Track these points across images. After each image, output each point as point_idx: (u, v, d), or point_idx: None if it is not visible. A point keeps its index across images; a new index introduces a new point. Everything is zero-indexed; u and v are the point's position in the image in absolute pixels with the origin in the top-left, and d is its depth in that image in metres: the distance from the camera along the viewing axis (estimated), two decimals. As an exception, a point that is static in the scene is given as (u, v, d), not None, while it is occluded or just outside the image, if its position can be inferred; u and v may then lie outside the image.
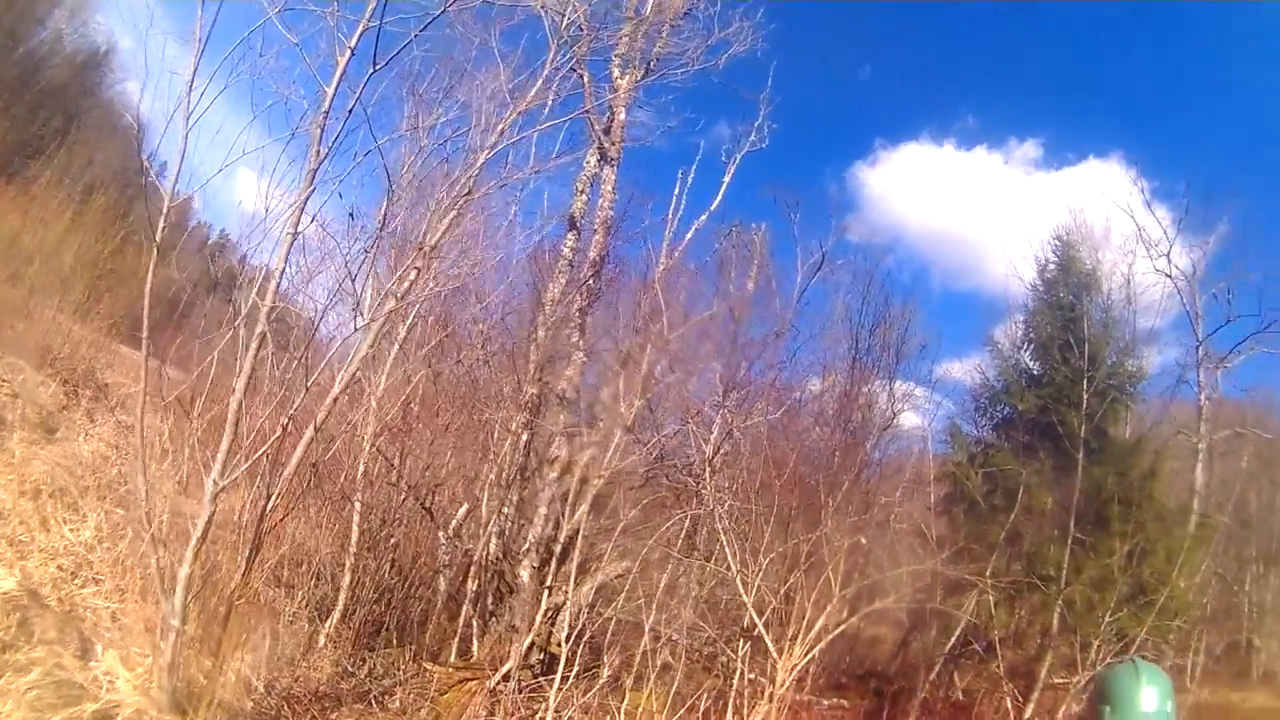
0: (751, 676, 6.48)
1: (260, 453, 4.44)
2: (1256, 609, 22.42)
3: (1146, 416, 11.74)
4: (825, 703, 8.90)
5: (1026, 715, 8.16)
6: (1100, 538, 9.40)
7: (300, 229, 4.96)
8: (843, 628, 7.10)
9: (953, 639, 8.91)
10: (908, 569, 8.45)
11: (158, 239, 4.42)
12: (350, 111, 5.06)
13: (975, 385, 13.38)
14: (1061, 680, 8.42)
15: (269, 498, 4.73)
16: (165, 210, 4.47)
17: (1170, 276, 19.10)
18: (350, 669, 6.21)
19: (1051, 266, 12.98)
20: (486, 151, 5.59)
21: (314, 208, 5.21)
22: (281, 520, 4.89)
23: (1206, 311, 19.68)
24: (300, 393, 4.81)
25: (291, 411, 4.84)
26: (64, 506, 6.38)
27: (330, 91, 4.97)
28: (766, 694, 6.34)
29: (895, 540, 9.31)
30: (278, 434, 4.65)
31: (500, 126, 5.64)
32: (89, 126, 25.03)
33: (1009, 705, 8.25)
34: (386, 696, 5.96)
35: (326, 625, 6.51)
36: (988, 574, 8.15)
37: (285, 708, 5.01)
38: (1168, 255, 19.45)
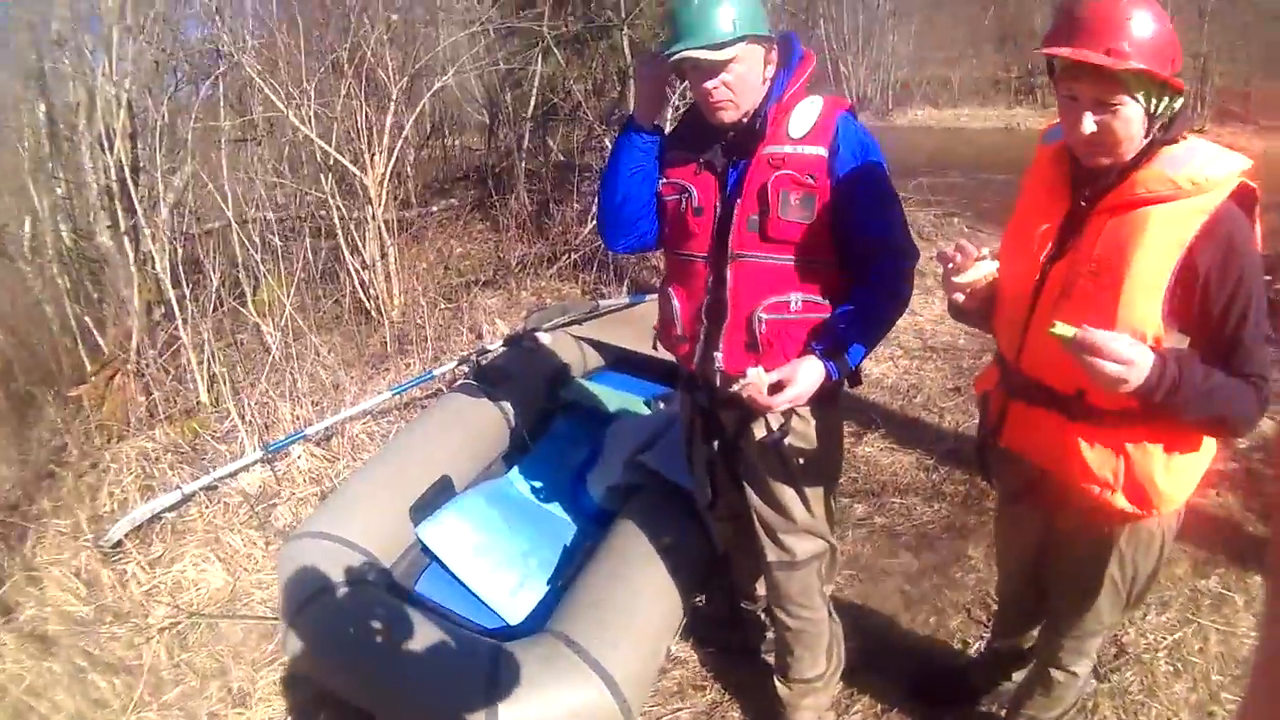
0: (354, 218, 6.57)
1: None
2: (834, 35, 23.33)
3: None
4: (434, 209, 9.14)
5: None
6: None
7: None
8: (416, 120, 7.23)
9: (532, 104, 8.98)
10: (462, 33, 8.42)
11: None
12: None
13: None
14: None
15: None
16: None
17: None
18: (21, 456, 6.15)
19: None
20: None
21: None
22: None
23: None
24: None
25: None
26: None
27: None
28: (369, 216, 6.42)
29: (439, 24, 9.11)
30: None
31: None
32: None
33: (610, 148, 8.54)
34: (62, 454, 5.85)
35: None
36: (544, 26, 8.12)
37: None
38: None
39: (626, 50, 9.16)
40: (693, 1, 2.35)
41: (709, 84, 2.40)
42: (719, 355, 2.63)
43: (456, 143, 12.43)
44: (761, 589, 3.33)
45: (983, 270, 2.23)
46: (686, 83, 2.59)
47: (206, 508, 5.04)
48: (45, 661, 4.06)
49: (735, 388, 2.36)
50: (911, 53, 25.12)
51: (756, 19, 2.38)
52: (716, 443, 2.92)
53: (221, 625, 4.30)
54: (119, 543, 4.77)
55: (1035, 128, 16.87)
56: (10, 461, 6.07)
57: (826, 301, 2.53)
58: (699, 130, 2.62)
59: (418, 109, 8.15)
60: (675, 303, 2.74)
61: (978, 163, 13.96)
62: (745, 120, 2.49)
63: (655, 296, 5.58)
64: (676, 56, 2.36)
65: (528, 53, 9.66)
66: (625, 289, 7.43)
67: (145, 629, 4.29)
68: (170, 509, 4.98)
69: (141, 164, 6.56)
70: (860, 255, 2.47)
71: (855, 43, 23.54)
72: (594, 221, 7.96)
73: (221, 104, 7.11)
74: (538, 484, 4.57)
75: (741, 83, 2.41)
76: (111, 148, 6.20)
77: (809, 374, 2.34)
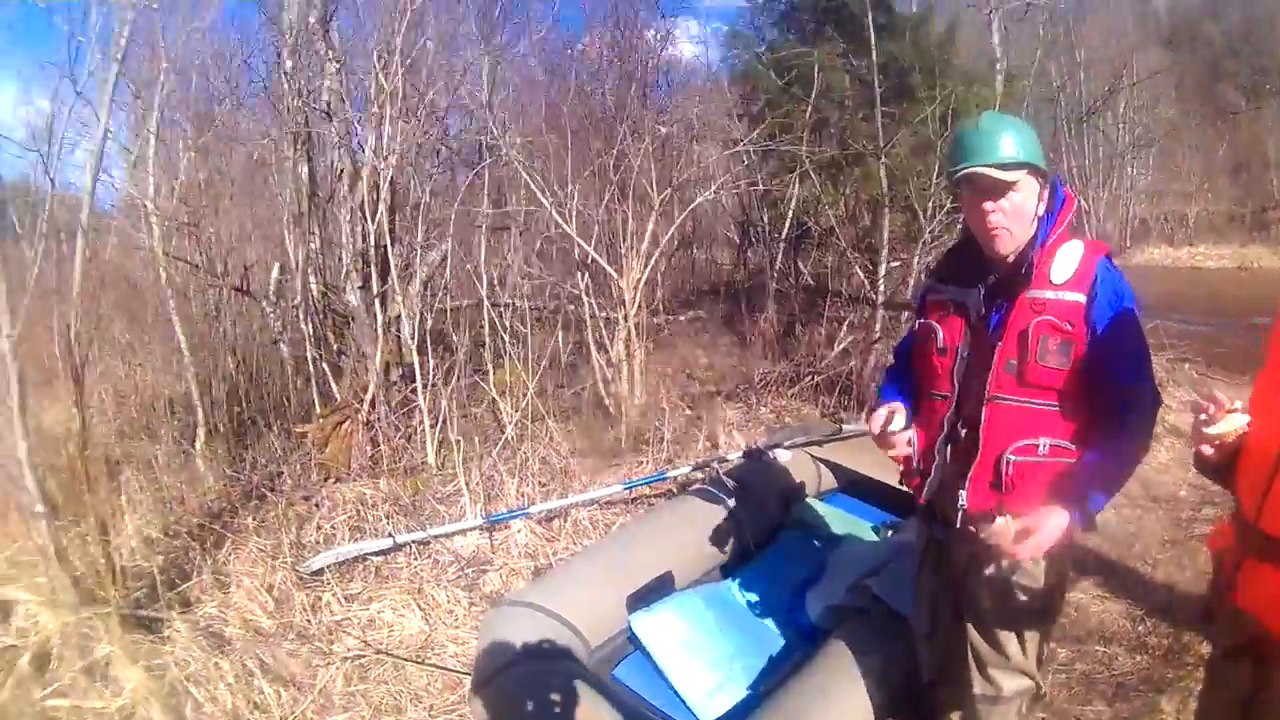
0: (602, 315, 6.63)
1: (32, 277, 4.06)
2: (1076, 169, 23.24)
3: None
4: (682, 318, 9.26)
5: (880, 272, 8.44)
6: (909, 107, 9.75)
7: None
8: (671, 234, 7.30)
9: (787, 226, 9.05)
10: (723, 154, 8.60)
11: None
12: None
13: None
14: (903, 258, 8.66)
15: (69, 325, 4.29)
16: None
17: None
18: (234, 473, 6.40)
19: None
20: None
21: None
22: (90, 346, 4.62)
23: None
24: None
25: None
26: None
27: None
28: (620, 318, 6.52)
29: (701, 141, 9.31)
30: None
31: None
32: None
33: (861, 275, 8.58)
34: (276, 480, 6.16)
35: (197, 447, 6.63)
36: (803, 150, 8.27)
37: (191, 540, 5.25)
38: None
39: (883, 179, 9.23)
40: (981, 124, 2.51)
41: (988, 205, 2.48)
42: (963, 493, 2.62)
43: (704, 255, 12.77)
44: None
45: (1235, 423, 2.08)
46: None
47: (415, 560, 5.15)
48: (215, 658, 4.10)
49: (983, 535, 2.36)
50: (1149, 186, 24.89)
51: (1037, 152, 2.50)
52: (945, 574, 2.93)
53: (408, 668, 4.28)
54: (319, 571, 4.91)
55: (1269, 266, 16.22)
56: (220, 476, 6.36)
57: (1073, 446, 2.52)
58: (962, 270, 2.71)
59: (678, 221, 8.39)
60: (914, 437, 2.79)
61: (1211, 306, 13.57)
62: (1011, 260, 2.56)
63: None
64: (965, 171, 2.46)
65: (785, 175, 9.89)
66: (864, 415, 7.35)
67: (328, 654, 4.34)
68: (379, 553, 5.11)
69: (398, 235, 6.90)
70: (1108, 403, 2.45)
71: (1096, 175, 23.23)
72: (839, 346, 8.03)
73: (485, 192, 7.43)
74: (756, 595, 4.42)
75: (1017, 212, 2.49)
76: (371, 216, 6.51)
77: (1055, 525, 2.26)
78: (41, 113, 4.57)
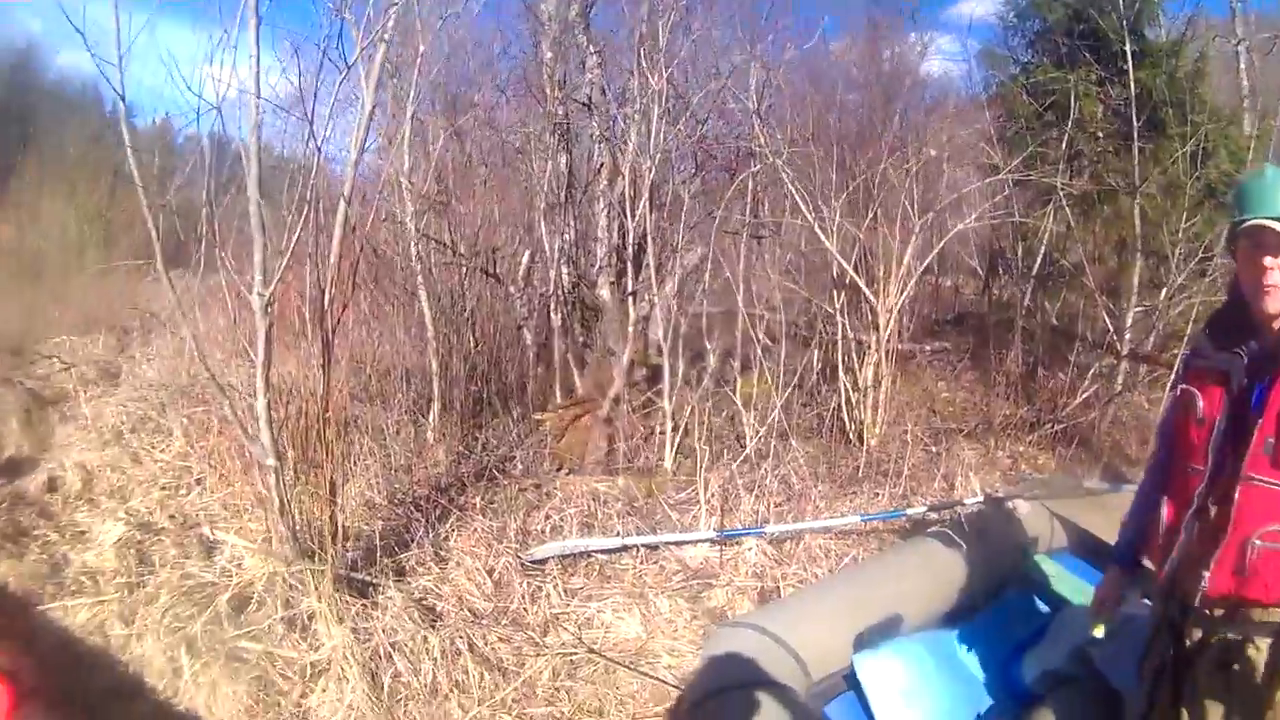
0: (853, 337, 7.01)
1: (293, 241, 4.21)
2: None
3: (1179, 20, 10.91)
4: (929, 348, 9.08)
5: (1127, 320, 8.04)
6: (1159, 144, 9.29)
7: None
8: (929, 261, 7.17)
9: (1037, 261, 8.74)
10: (981, 182, 8.34)
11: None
12: None
13: (1000, 8, 12.40)
14: (1147, 304, 8.23)
15: (323, 291, 4.42)
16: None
17: None
18: (465, 450, 6.62)
19: None
20: None
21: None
22: (344, 311, 4.75)
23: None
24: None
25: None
26: (148, 433, 7.11)
27: None
28: (872, 342, 6.41)
29: (958, 165, 9.07)
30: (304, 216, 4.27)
31: None
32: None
33: (1106, 322, 8.19)
34: (507, 464, 6.40)
35: (430, 420, 6.87)
36: (1059, 182, 8.00)
37: (414, 511, 5.43)
38: None
39: (1136, 219, 8.83)
40: (1267, 175, 2.42)
41: (1268, 260, 2.35)
42: (1206, 575, 2.46)
43: (949, 283, 12.53)
44: None
45: None
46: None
47: (642, 564, 5.17)
48: (424, 630, 4.19)
49: None
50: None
51: None
52: (1173, 656, 2.73)
53: (619, 672, 4.27)
54: (542, 561, 4.99)
55: None
56: (451, 452, 6.52)
57: None
58: (1227, 333, 2.57)
59: (937, 247, 8.32)
60: (1163, 510, 2.67)
61: None
62: (1279, 327, 2.41)
63: (1133, 487, 5.25)
64: (1250, 223, 2.38)
65: (1041, 207, 9.53)
66: (1099, 470, 7.03)
67: (540, 646, 4.38)
68: (606, 551, 5.15)
69: (654, 236, 6.92)
70: None
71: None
72: (1083, 395, 7.72)
73: (747, 200, 7.41)
74: (977, 650, 4.29)
75: None
76: (630, 213, 6.56)
77: None
78: (294, 84, 4.71)
